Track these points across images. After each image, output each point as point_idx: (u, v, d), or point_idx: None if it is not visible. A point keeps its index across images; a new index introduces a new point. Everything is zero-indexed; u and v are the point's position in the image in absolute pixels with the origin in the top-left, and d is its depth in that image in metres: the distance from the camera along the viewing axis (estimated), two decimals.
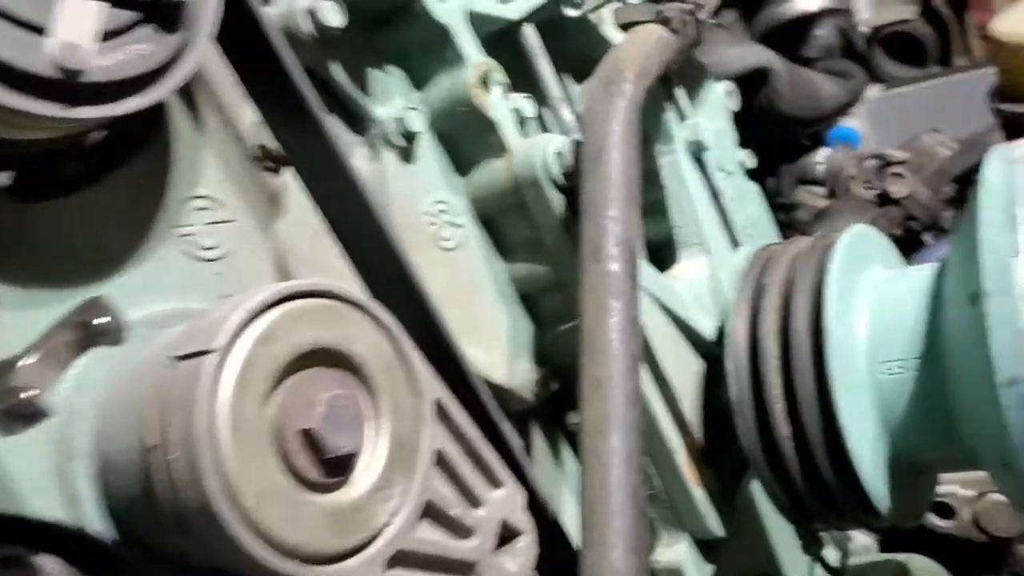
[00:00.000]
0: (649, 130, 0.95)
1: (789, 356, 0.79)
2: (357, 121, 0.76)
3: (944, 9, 4.36)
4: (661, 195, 0.97)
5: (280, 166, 0.65)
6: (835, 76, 1.70)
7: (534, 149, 0.77)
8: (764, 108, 1.58)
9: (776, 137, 1.71)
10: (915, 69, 4.66)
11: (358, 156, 0.76)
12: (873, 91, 2.83)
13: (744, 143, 1.14)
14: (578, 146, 0.76)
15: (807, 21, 1.74)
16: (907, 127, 3.32)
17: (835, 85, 1.67)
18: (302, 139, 0.62)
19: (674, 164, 0.95)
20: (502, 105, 0.78)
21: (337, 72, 0.73)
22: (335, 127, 0.74)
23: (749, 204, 1.13)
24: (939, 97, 3.35)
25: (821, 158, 1.79)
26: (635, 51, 0.77)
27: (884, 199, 1.74)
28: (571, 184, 0.77)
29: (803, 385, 0.78)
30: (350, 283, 0.65)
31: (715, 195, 1.00)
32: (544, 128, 0.93)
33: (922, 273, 0.79)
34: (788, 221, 1.96)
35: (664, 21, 0.81)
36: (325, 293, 0.50)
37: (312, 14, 0.67)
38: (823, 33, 1.76)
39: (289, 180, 0.66)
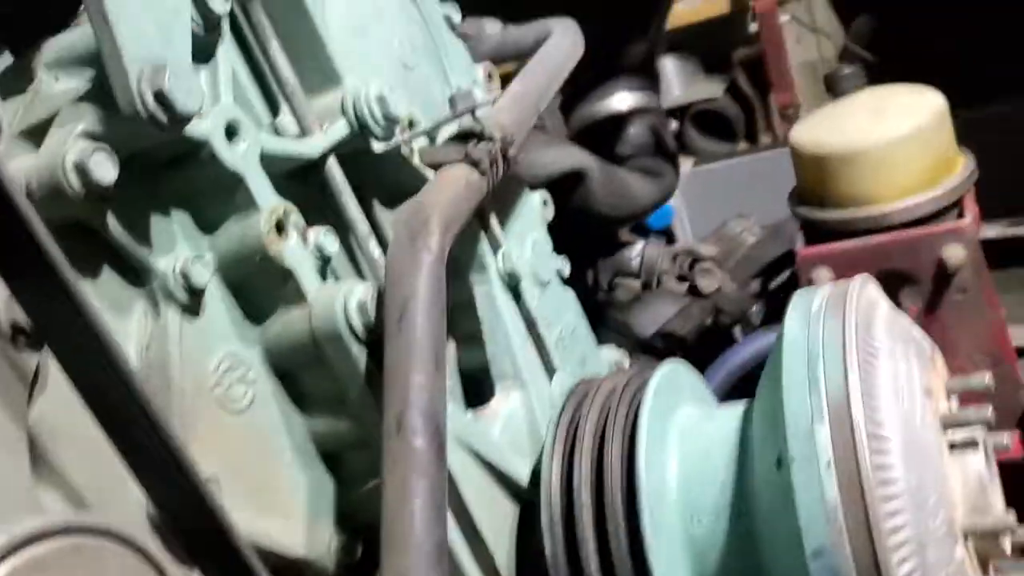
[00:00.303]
0: (463, 260, 0.93)
1: (603, 507, 0.77)
2: (136, 274, 0.69)
3: (748, 89, 4.65)
4: (477, 325, 0.94)
5: (36, 343, 0.58)
6: (648, 174, 1.74)
7: (335, 300, 0.72)
8: (580, 208, 1.60)
9: (592, 234, 1.74)
10: (724, 144, 4.95)
11: (137, 313, 0.68)
12: (686, 166, 2.95)
13: (561, 239, 1.13)
14: (380, 295, 0.72)
15: (620, 120, 1.78)
16: (717, 200, 3.49)
17: (648, 184, 1.71)
18: (53, 310, 0.55)
19: (488, 295, 0.93)
20: (300, 251, 0.73)
21: (112, 223, 0.66)
22: (111, 284, 0.67)
23: (566, 313, 1.13)
24: (746, 173, 3.55)
25: (636, 252, 1.83)
26: (442, 198, 0.74)
27: (694, 292, 1.80)
28: (375, 337, 0.72)
29: (617, 537, 0.76)
30: (112, 464, 0.58)
31: (531, 324, 0.98)
32: (352, 261, 0.88)
33: (731, 418, 0.80)
34: (607, 300, 2.00)
35: (474, 163, 0.79)
36: (70, 529, 0.43)
37: (81, 169, 0.61)
38: (636, 131, 1.80)
39: (47, 356, 0.59)
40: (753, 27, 4.16)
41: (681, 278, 1.84)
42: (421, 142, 0.87)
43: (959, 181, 1.35)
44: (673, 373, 0.85)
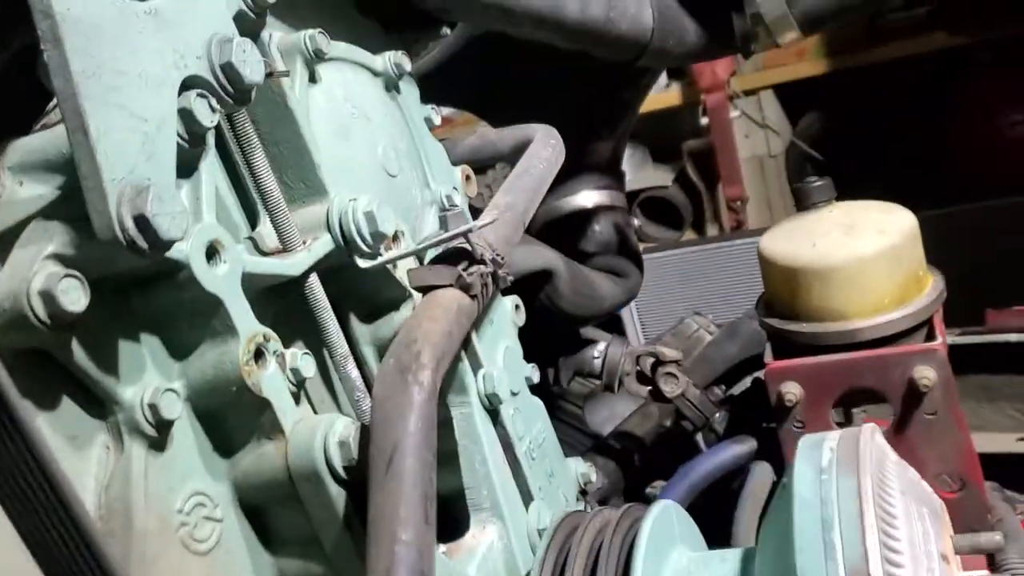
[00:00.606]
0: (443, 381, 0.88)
1: None
2: (99, 403, 0.62)
3: (696, 180, 4.73)
4: (451, 446, 0.89)
5: None
6: (613, 274, 1.72)
7: (314, 436, 0.66)
8: (545, 307, 1.57)
9: (556, 332, 1.71)
10: (671, 231, 5.00)
11: (97, 447, 0.62)
12: None
13: (523, 337, 1.09)
14: (364, 432, 0.67)
15: (585, 216, 1.77)
16: (666, 287, 3.51)
17: (613, 285, 1.69)
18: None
19: (468, 418, 0.87)
20: (278, 381, 0.67)
21: (75, 350, 0.60)
22: (69, 415, 0.61)
23: (535, 423, 1.08)
24: (695, 262, 3.58)
25: (598, 352, 1.80)
26: (435, 328, 0.69)
27: (657, 395, 1.76)
28: (356, 476, 0.67)
29: None
30: None
31: (508, 447, 0.93)
32: (326, 379, 0.83)
33: (728, 567, 0.75)
34: (562, 393, 1.96)
35: (465, 287, 0.74)
36: None
37: (48, 297, 0.55)
38: (601, 229, 1.79)
39: None
40: (704, 120, 4.25)
41: (643, 379, 1.80)
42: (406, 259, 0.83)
43: (929, 301, 1.35)
44: (666, 514, 0.80)
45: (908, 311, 1.34)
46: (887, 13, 3.57)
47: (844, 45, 3.88)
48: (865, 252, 1.34)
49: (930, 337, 1.38)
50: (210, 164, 0.68)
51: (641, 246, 3.50)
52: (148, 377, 0.64)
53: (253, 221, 0.78)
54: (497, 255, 0.80)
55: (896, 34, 3.76)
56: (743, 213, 4.33)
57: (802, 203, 1.49)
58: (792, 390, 1.33)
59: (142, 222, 0.55)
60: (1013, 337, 2.25)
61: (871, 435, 0.71)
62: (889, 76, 3.82)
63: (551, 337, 1.76)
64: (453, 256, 0.78)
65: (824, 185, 1.49)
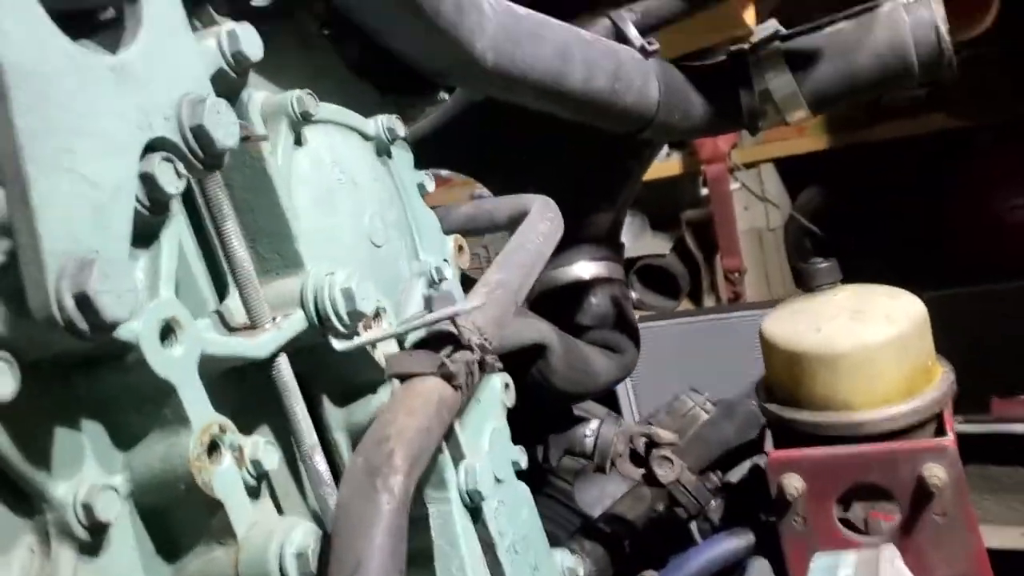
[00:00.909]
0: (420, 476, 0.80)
1: None
2: (24, 498, 0.55)
3: (695, 249, 4.70)
4: (424, 543, 0.81)
5: None
6: (608, 350, 1.66)
7: (269, 546, 0.59)
8: (538, 382, 1.50)
9: (547, 409, 1.64)
10: (667, 300, 4.95)
11: (21, 550, 0.55)
12: None
13: (516, 414, 1.02)
14: (325, 542, 0.60)
15: (581, 288, 1.71)
16: (660, 358, 3.45)
17: (608, 361, 1.63)
18: None
19: (445, 516, 0.80)
20: (232, 479, 0.60)
21: (1, 441, 0.53)
22: None
23: (520, 511, 1.00)
24: (690, 335, 3.52)
25: (590, 431, 1.73)
26: (411, 424, 0.62)
27: (651, 480, 1.69)
28: None
29: None
30: None
31: (489, 547, 0.85)
32: (295, 476, 0.76)
33: None
34: (550, 468, 1.88)
35: (448, 376, 0.68)
36: None
37: None
38: (597, 302, 1.73)
39: None
40: (704, 191, 4.22)
41: (636, 461, 1.73)
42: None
43: (939, 393, 1.29)
44: None
45: (918, 404, 1.28)
46: (897, 95, 3.58)
47: (846, 122, 3.88)
48: (873, 340, 1.28)
49: (940, 432, 1.32)
50: (173, 233, 0.61)
51: (637, 314, 3.47)
52: (86, 471, 0.57)
53: (222, 292, 0.71)
54: (485, 339, 0.74)
55: (897, 113, 3.77)
56: (741, 285, 4.29)
57: (806, 284, 1.43)
58: (794, 483, 1.26)
59: (83, 301, 0.49)
60: (1020, 428, 2.18)
61: (891, 561, 0.65)
62: (890, 155, 3.82)
63: (541, 413, 1.69)
64: (437, 340, 0.71)
65: (830, 267, 1.43)
